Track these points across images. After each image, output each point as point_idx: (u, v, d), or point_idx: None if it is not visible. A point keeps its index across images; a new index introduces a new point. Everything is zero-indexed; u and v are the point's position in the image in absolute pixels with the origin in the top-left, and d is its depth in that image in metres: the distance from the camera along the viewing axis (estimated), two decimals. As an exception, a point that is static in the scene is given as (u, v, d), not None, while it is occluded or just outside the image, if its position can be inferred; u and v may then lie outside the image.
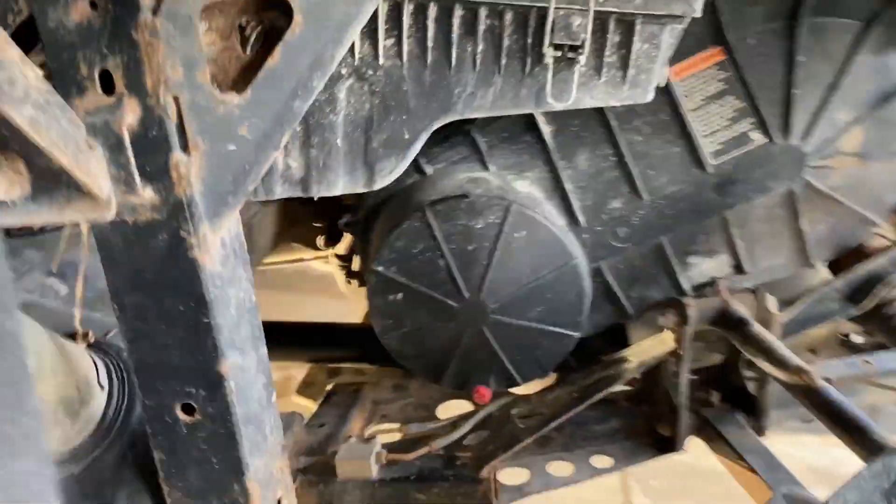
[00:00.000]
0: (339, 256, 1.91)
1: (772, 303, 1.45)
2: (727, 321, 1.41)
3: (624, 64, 1.06)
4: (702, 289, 1.49)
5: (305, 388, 1.93)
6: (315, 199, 1.04)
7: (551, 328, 1.42)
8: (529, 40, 1.02)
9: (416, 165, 1.44)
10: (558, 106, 1.01)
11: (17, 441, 0.45)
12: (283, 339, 1.96)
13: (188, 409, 0.82)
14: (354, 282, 1.85)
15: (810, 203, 1.39)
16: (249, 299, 0.86)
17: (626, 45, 1.05)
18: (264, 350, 0.89)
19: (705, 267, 1.46)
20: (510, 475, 1.59)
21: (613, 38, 1.04)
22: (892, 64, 1.31)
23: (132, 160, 0.69)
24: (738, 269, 1.47)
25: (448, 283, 1.38)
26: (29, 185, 0.64)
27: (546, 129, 1.38)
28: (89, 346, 0.99)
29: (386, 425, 1.69)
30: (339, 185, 1.01)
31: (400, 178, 1.40)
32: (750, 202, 1.38)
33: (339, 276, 1.92)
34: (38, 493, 0.47)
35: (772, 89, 1.31)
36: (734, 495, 1.48)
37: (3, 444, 0.44)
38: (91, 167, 0.67)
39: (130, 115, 0.69)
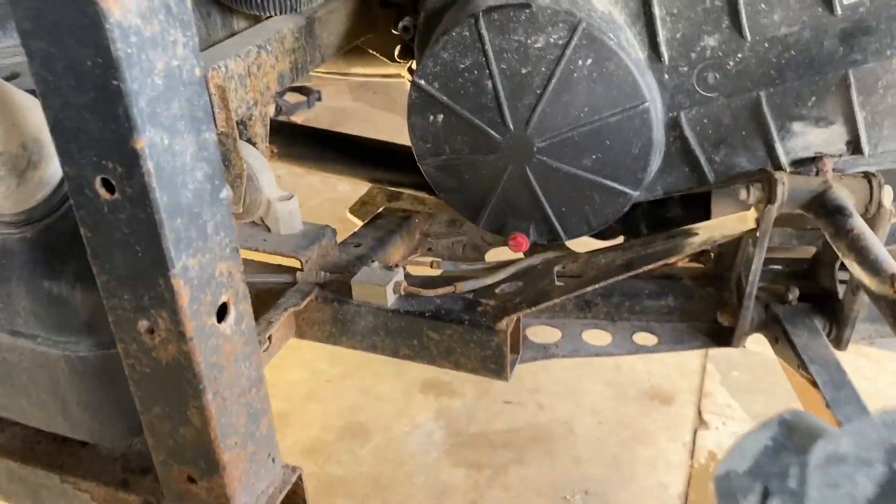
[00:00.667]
0: (411, 71, 1.75)
1: (888, 196, 1.18)
2: (824, 207, 1.16)
3: None
4: (803, 164, 1.22)
5: (360, 207, 1.84)
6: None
7: (605, 181, 1.22)
8: None
9: (487, -33, 1.22)
10: None
11: None
12: (345, 153, 1.87)
13: (108, 186, 0.73)
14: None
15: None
16: (190, 73, 0.73)
17: None
18: (211, 137, 0.77)
19: (812, 138, 1.19)
20: (540, 333, 1.47)
21: None
22: None
23: None
24: (855, 146, 1.19)
25: (493, 109, 1.20)
26: None
27: (644, -64, 1.11)
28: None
29: (424, 258, 1.59)
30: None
31: (466, -20, 1.20)
32: (883, 62, 1.07)
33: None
34: None
35: None
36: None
37: None
38: None
39: None
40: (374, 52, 1.85)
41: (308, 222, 1.48)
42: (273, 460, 0.99)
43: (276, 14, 1.31)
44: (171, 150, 0.72)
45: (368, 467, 2.29)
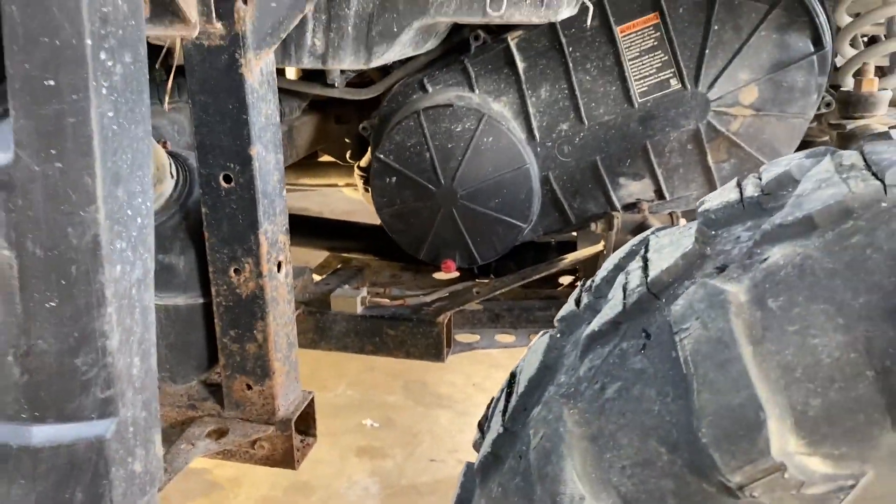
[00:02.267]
0: (360, 168, 2.37)
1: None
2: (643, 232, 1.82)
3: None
4: (630, 208, 1.90)
5: (320, 269, 2.39)
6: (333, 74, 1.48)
7: (506, 217, 1.85)
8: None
9: (420, 85, 1.89)
10: (494, 16, 1.44)
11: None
12: (307, 230, 2.44)
13: (227, 179, 1.28)
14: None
15: (715, 144, 1.79)
16: (275, 117, 1.32)
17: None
18: (281, 158, 1.35)
19: (633, 188, 1.88)
20: (465, 337, 2.03)
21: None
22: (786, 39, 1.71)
23: (212, 2, 1.16)
24: (660, 194, 1.88)
25: (430, 171, 1.82)
26: (149, 10, 1.11)
27: (521, 66, 1.82)
28: (165, 149, 1.46)
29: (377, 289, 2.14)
30: (347, 61, 1.46)
31: (407, 94, 1.85)
32: (666, 135, 1.79)
33: (359, 183, 2.38)
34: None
35: (690, 48, 1.72)
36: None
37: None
38: (188, 1, 1.13)
39: (216, -26, 1.15)
40: (329, 155, 2.48)
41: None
42: (298, 381, 1.48)
43: None
44: (265, 158, 1.29)
45: (314, 517, 2.66)
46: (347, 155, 2.39)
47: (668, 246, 0.93)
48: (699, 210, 0.92)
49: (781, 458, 0.69)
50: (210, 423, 1.42)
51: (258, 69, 1.23)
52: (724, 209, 0.89)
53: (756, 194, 0.88)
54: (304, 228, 2.43)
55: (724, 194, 0.92)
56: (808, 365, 0.71)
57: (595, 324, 0.90)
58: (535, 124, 1.84)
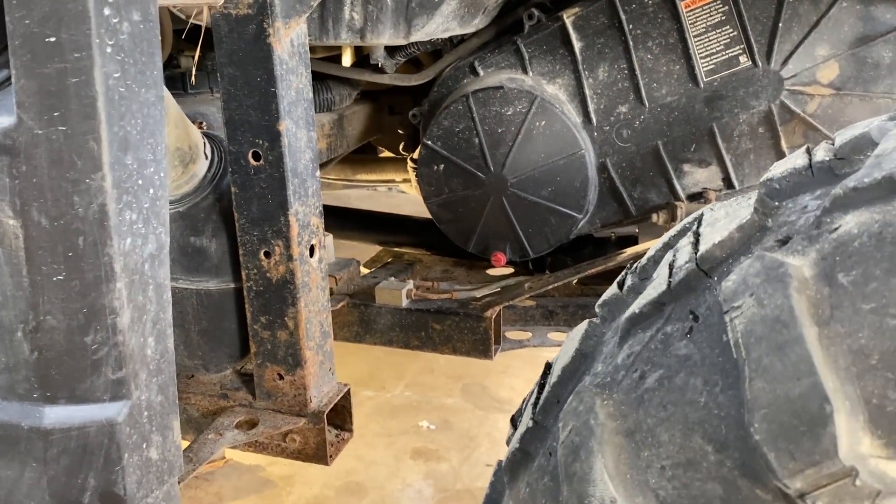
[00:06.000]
0: (412, 160, 2.30)
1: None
2: (709, 222, 1.68)
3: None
4: (695, 198, 1.76)
5: (370, 263, 2.33)
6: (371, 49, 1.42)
7: (558, 207, 1.74)
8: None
9: (471, 68, 1.81)
10: None
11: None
12: (358, 224, 2.38)
13: (256, 156, 1.23)
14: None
15: (790, 126, 1.64)
16: (307, 92, 1.25)
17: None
18: (313, 135, 1.28)
19: (698, 176, 1.74)
20: (516, 334, 1.93)
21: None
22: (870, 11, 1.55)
23: (238, -32, 1.10)
24: (728, 182, 1.74)
25: (479, 157, 1.73)
26: (176, -23, 1.06)
27: (577, 45, 1.71)
28: (199, 129, 1.42)
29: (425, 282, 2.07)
30: (387, 35, 1.39)
31: (457, 78, 1.77)
32: (735, 118, 1.65)
33: (412, 176, 2.31)
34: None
35: (762, 22, 1.58)
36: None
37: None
38: (214, -32, 1.08)
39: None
40: (383, 147, 2.42)
41: (339, 257, 1.96)
42: (332, 373, 1.42)
43: (318, 112, 1.87)
44: (295, 135, 1.23)
45: (366, 519, 2.61)
46: (401, 147, 2.33)
47: (724, 219, 0.81)
48: (762, 180, 0.80)
49: (852, 461, 0.57)
50: (240, 413, 1.36)
51: (287, 40, 1.17)
52: (790, 177, 0.77)
53: (828, 159, 0.76)
54: (354, 221, 2.38)
55: (791, 161, 0.80)
56: (886, 350, 0.59)
57: (636, 305, 0.79)
58: (591, 107, 1.72)
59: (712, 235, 0.78)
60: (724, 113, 1.65)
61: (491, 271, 2.08)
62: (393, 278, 1.86)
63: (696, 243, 0.80)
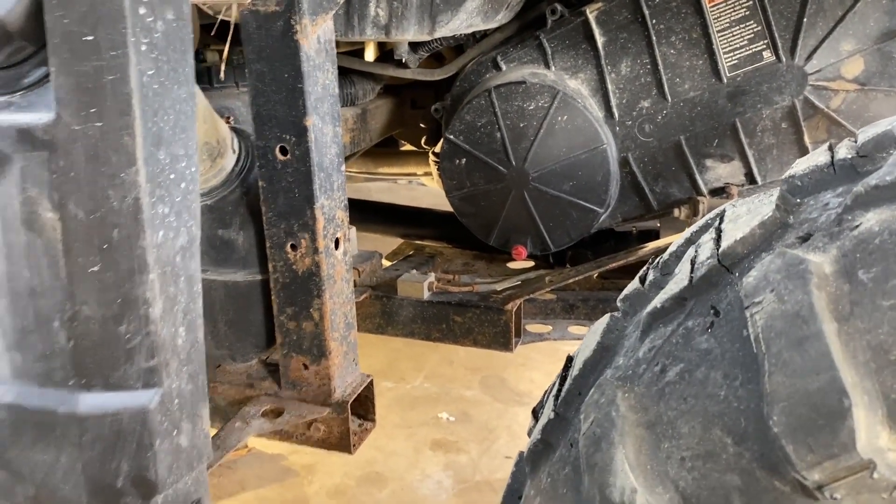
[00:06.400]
0: (434, 154, 2.32)
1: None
2: (731, 217, 1.69)
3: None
4: (717, 193, 1.76)
5: (392, 256, 2.35)
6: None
7: (580, 201, 1.75)
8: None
9: (493, 63, 1.82)
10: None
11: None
12: (380, 217, 2.41)
13: (283, 151, 1.25)
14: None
15: (813, 122, 1.63)
16: (333, 88, 1.27)
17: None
18: (339, 130, 1.30)
19: (720, 171, 1.74)
20: (537, 328, 1.94)
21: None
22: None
23: (268, -34, 1.12)
24: (751, 178, 1.74)
25: (501, 151, 1.75)
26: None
27: (600, 40, 1.72)
28: (228, 124, 1.44)
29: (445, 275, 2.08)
30: (411, 31, 1.40)
31: (480, 73, 1.79)
32: (758, 113, 1.65)
33: (434, 169, 2.33)
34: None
35: (786, 17, 1.58)
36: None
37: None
38: (243, -35, 1.10)
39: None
40: (405, 141, 2.44)
41: (362, 249, 1.99)
42: (356, 364, 1.44)
43: (342, 106, 1.89)
44: (322, 130, 1.25)
45: (386, 507, 2.64)
46: (423, 140, 2.34)
47: (745, 215, 0.82)
48: (784, 176, 0.81)
49: (870, 454, 0.58)
50: (266, 402, 1.39)
51: (314, 37, 1.19)
52: (812, 174, 0.78)
53: (850, 156, 0.77)
54: (377, 215, 2.40)
55: (813, 158, 0.81)
56: (905, 346, 0.60)
57: (658, 300, 0.80)
58: (613, 102, 1.73)
59: (734, 231, 0.79)
60: (747, 108, 1.65)
61: (511, 264, 2.09)
62: (415, 271, 1.88)
63: (717, 239, 0.81)
